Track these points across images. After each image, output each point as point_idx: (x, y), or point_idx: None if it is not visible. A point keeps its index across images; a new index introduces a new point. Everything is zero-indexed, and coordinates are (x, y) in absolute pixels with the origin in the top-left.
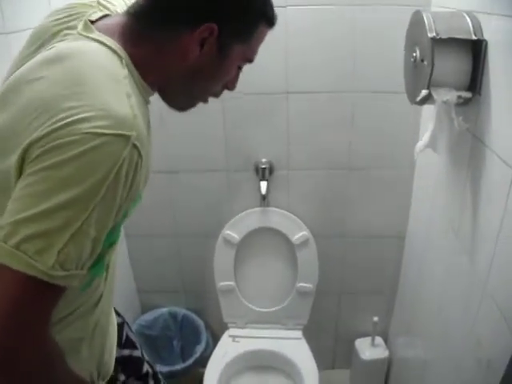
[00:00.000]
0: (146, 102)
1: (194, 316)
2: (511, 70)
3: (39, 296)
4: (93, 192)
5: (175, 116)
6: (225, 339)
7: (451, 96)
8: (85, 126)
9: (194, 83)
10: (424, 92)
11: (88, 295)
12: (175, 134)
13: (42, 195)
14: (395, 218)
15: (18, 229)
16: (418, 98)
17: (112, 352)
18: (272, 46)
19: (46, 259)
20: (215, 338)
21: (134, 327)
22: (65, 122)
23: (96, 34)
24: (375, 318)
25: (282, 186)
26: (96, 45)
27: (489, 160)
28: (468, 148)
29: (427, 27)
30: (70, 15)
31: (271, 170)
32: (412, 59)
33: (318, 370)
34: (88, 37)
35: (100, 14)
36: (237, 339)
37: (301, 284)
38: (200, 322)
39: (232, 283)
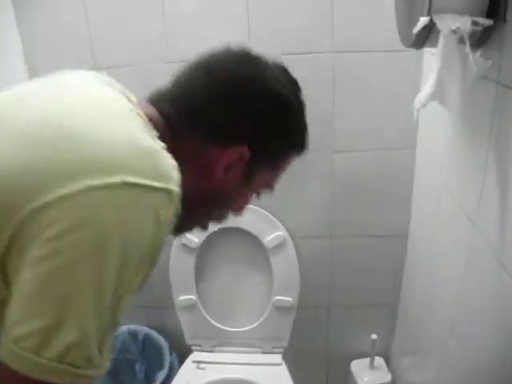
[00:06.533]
0: None
1: (157, 335)
2: None
3: None
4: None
5: None
6: (188, 365)
7: (463, 23)
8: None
9: (210, 205)
10: (423, 20)
11: None
12: None
13: (80, 288)
14: (395, 212)
15: (54, 337)
16: (416, 30)
17: None
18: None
19: (96, 362)
20: (183, 361)
21: None
22: (98, 183)
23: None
24: (373, 336)
25: None
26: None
27: None
28: (490, 99)
29: None
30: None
31: None
32: None
33: None
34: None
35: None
36: (202, 365)
37: (278, 297)
38: (164, 343)
39: (193, 297)
